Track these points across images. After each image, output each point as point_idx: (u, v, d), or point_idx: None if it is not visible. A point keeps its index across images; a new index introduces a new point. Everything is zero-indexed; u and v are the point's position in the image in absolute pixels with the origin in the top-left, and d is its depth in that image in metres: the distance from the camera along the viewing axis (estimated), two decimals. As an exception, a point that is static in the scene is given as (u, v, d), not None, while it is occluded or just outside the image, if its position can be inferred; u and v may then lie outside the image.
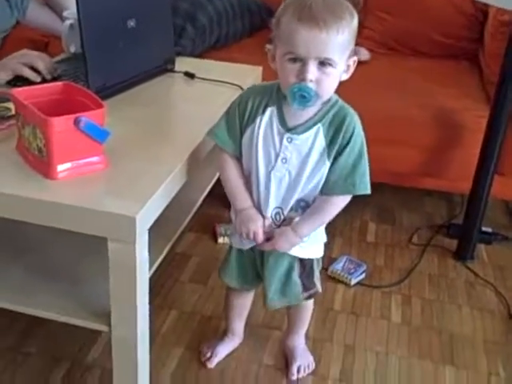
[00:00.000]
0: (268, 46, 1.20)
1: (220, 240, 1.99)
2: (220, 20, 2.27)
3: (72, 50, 1.85)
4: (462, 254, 2.03)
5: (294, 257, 1.34)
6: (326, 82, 1.13)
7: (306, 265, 1.37)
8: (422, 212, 2.30)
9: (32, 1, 2.05)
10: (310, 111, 1.21)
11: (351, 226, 2.16)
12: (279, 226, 1.29)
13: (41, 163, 1.21)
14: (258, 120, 1.24)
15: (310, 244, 1.34)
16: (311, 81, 1.12)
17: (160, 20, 1.78)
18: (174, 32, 2.08)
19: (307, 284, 1.39)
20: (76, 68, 1.73)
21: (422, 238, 2.12)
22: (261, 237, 1.27)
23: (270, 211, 1.28)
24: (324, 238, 1.39)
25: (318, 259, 1.40)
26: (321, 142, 1.21)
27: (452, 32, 2.44)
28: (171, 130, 1.53)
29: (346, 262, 1.91)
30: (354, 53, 1.20)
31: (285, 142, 1.22)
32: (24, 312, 1.26)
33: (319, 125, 1.21)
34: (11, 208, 1.15)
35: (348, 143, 1.21)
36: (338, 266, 1.88)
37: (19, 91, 1.26)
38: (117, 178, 1.22)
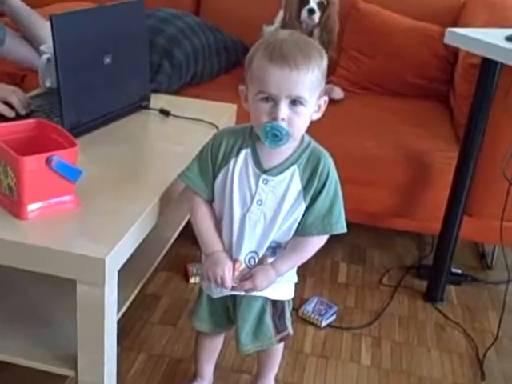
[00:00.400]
0: (241, 87, 1.22)
1: (192, 280, 1.97)
2: (196, 56, 2.28)
3: (48, 84, 1.85)
4: (432, 295, 2.04)
5: (266, 299, 1.34)
6: (297, 121, 1.15)
7: (277, 306, 1.36)
8: (393, 252, 2.31)
9: (9, 34, 2.04)
10: (285, 153, 1.23)
11: (322, 267, 2.16)
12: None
13: (11, 203, 1.20)
14: (231, 162, 1.24)
15: (282, 285, 1.33)
16: (283, 119, 1.14)
17: (137, 56, 1.79)
18: (151, 68, 2.10)
19: (279, 326, 1.38)
20: (51, 103, 1.72)
21: (393, 279, 2.13)
22: (228, 282, 1.25)
23: (243, 256, 1.27)
24: (295, 279, 1.39)
25: (289, 300, 1.39)
26: (297, 184, 1.23)
27: (425, 73, 2.48)
28: (144, 169, 1.53)
29: (316, 303, 1.90)
30: (325, 93, 1.22)
31: (260, 183, 1.23)
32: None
33: (294, 166, 1.22)
34: (-22, 249, 1.13)
35: (324, 185, 1.23)
36: (309, 308, 1.88)
37: (-10, 129, 1.25)
38: (87, 218, 1.21)
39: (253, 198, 1.24)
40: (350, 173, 2.05)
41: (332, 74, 2.55)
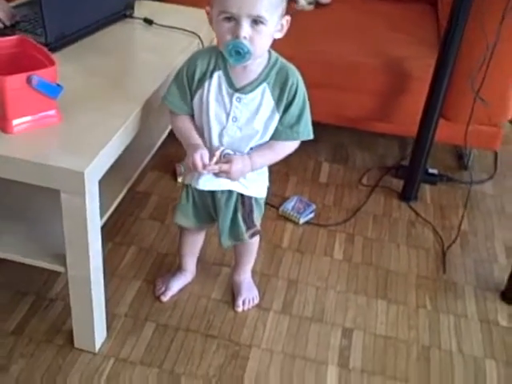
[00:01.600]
0: (207, 8, 1.29)
1: (179, 179, 2.09)
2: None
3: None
4: (407, 194, 2.16)
5: (238, 197, 1.47)
6: (258, 39, 1.23)
7: (245, 204, 1.49)
8: (375, 153, 2.42)
9: None
10: (254, 71, 1.32)
11: (306, 166, 2.28)
12: None
13: (-3, 118, 1.30)
14: (206, 84, 1.34)
15: (252, 182, 1.46)
16: (245, 37, 1.22)
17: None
18: (136, -27, 2.11)
19: (249, 223, 1.51)
20: (36, 13, 1.77)
21: (372, 179, 2.25)
22: (200, 164, 1.32)
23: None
24: (266, 182, 1.52)
25: (257, 200, 1.51)
26: (268, 99, 1.34)
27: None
28: (126, 80, 1.59)
29: (296, 201, 2.04)
30: (287, 12, 1.29)
31: (234, 101, 1.34)
32: (-12, 254, 1.39)
33: (264, 84, 1.33)
34: (-32, 160, 1.25)
35: (294, 98, 1.34)
36: (289, 206, 2.01)
37: (-28, 47, 1.33)
38: (69, 131, 1.32)
39: (228, 115, 1.35)
40: (331, 78, 2.13)
41: (321, -25, 2.54)
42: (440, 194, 2.22)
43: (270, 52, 1.34)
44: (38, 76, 1.25)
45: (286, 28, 1.30)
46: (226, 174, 1.36)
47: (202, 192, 1.48)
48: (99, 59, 1.63)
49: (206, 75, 1.34)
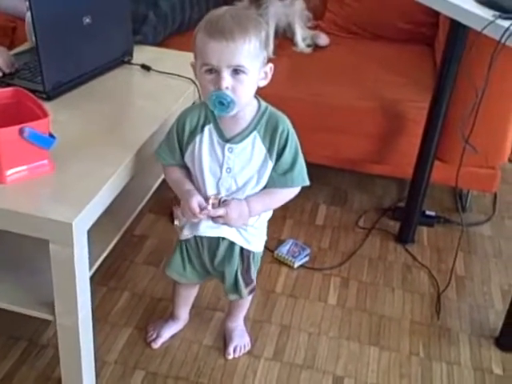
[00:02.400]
0: (192, 62, 1.33)
1: (176, 222, 2.10)
2: (183, 6, 2.33)
3: (34, 39, 1.93)
4: (403, 236, 2.16)
5: (237, 252, 1.47)
6: (241, 88, 1.25)
7: (244, 259, 1.49)
8: (372, 194, 2.42)
9: (-2, -16, 2.11)
10: (244, 121, 1.35)
11: (303, 208, 2.29)
12: None
13: (-9, 168, 1.33)
14: (197, 139, 1.37)
15: (253, 236, 1.47)
16: (227, 88, 1.24)
17: (118, 13, 1.86)
18: (137, 20, 2.17)
19: (247, 279, 1.52)
20: (36, 61, 1.81)
21: (369, 221, 2.26)
22: (196, 207, 1.33)
23: None
24: (265, 236, 1.54)
25: (255, 255, 1.52)
26: (260, 147, 1.36)
27: (411, 17, 2.50)
28: (120, 128, 1.61)
29: (291, 245, 2.04)
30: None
31: (226, 152, 1.35)
32: (-23, 300, 1.40)
33: (255, 132, 1.35)
34: (-38, 210, 1.27)
35: (285, 145, 1.36)
36: (284, 249, 2.02)
37: (-31, 98, 1.37)
38: (60, 181, 1.34)
39: (221, 167, 1.36)
40: (329, 120, 2.16)
41: (320, 18, 2.59)
42: (437, 236, 2.22)
43: (259, 101, 1.36)
44: (30, 128, 1.28)
45: (270, 75, 1.32)
46: (224, 219, 1.36)
47: (198, 247, 1.49)
48: (95, 106, 1.66)
49: (197, 130, 1.37)
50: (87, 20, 1.71)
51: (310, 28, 2.51)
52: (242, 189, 1.39)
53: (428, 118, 1.99)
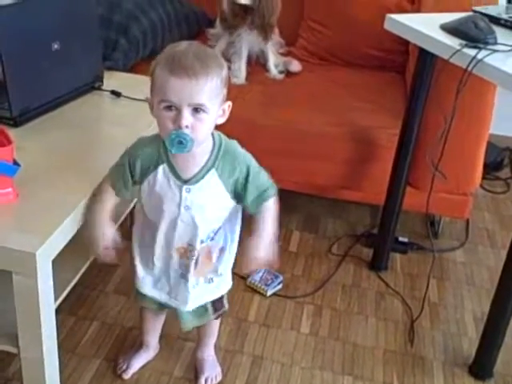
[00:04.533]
0: (148, 97, 1.28)
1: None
2: (155, 32, 2.33)
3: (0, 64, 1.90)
4: (376, 263, 2.16)
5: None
6: (200, 127, 1.22)
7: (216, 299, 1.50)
8: (346, 221, 2.42)
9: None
10: (200, 160, 1.31)
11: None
12: (196, 262, 1.40)
13: (-48, 196, 1.29)
14: (151, 176, 1.33)
15: (220, 284, 1.48)
16: (187, 127, 1.20)
17: (87, 39, 1.85)
18: (107, 45, 2.16)
19: (218, 308, 1.52)
20: (3, 87, 1.79)
21: (342, 248, 2.24)
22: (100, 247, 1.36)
23: (174, 250, 1.40)
24: (229, 278, 1.52)
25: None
26: (218, 184, 1.32)
27: (382, 45, 2.52)
28: (87, 156, 1.58)
29: (264, 272, 2.01)
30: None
31: (184, 193, 1.32)
32: None
33: (212, 170, 1.31)
34: None
35: (247, 177, 1.33)
36: (257, 277, 1.99)
37: None
38: (24, 210, 1.30)
39: (179, 205, 1.33)
40: (300, 146, 2.16)
41: (292, 44, 2.60)
42: (410, 262, 2.21)
43: (213, 135, 1.32)
44: (-8, 156, 1.25)
45: (227, 114, 1.30)
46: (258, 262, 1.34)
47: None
48: (63, 133, 1.64)
49: (150, 168, 1.33)
50: (56, 46, 1.69)
51: (282, 54, 2.52)
52: (203, 227, 1.36)
53: (399, 145, 2.00)
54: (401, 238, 2.25)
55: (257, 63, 2.48)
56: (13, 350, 1.34)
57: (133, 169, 1.34)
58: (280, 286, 2.00)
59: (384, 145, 2.09)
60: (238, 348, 1.76)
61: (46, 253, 1.22)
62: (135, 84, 1.98)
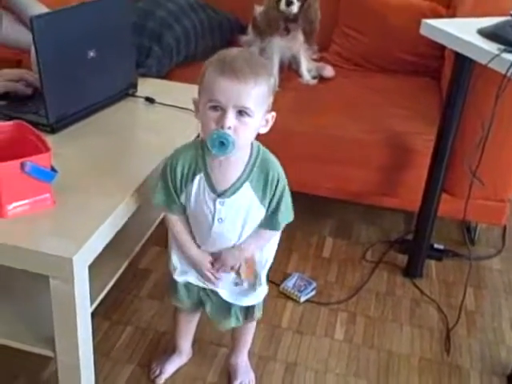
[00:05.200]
0: (194, 98, 1.31)
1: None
2: (188, 39, 2.34)
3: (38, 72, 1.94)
4: (411, 271, 2.13)
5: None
6: (243, 131, 1.22)
7: (248, 309, 1.50)
8: (380, 227, 2.39)
9: (6, 18, 2.12)
10: (236, 170, 1.31)
11: (308, 242, 2.26)
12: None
13: (-9, 202, 1.31)
14: (189, 187, 1.34)
15: (257, 292, 1.48)
16: (229, 128, 1.21)
17: (122, 46, 1.86)
18: (141, 52, 2.18)
19: (249, 317, 1.53)
20: (39, 95, 1.82)
21: (376, 254, 2.22)
22: (214, 276, 1.42)
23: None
24: (266, 287, 1.52)
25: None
26: (252, 198, 1.33)
27: (416, 50, 2.50)
28: (124, 161, 1.60)
29: (297, 279, 2.01)
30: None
31: (218, 205, 1.33)
32: (-22, 336, 1.37)
33: (247, 183, 1.31)
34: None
35: (275, 191, 1.33)
36: (290, 284, 1.99)
37: (-28, 131, 1.36)
38: (61, 215, 1.31)
39: (213, 217, 1.34)
40: (335, 152, 2.15)
41: (325, 50, 2.60)
42: (446, 270, 2.18)
43: (252, 145, 1.32)
44: (31, 162, 1.27)
45: (270, 124, 1.30)
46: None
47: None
48: (99, 140, 1.65)
49: (188, 178, 1.33)
50: (91, 54, 1.71)
51: (315, 60, 2.52)
52: (234, 236, 1.37)
53: (434, 151, 1.97)
54: (436, 245, 2.22)
55: (289, 69, 2.48)
56: (49, 353, 1.35)
57: (174, 180, 1.34)
58: (313, 293, 1.99)
59: (419, 151, 2.06)
60: (271, 354, 1.75)
61: (82, 258, 1.23)
62: (169, 90, 2.00)
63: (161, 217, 1.81)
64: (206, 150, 1.29)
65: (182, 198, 1.36)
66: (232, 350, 1.67)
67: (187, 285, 1.51)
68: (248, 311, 1.51)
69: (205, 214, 1.34)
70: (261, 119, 1.26)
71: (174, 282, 1.52)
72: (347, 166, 2.15)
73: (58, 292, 1.24)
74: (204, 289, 1.49)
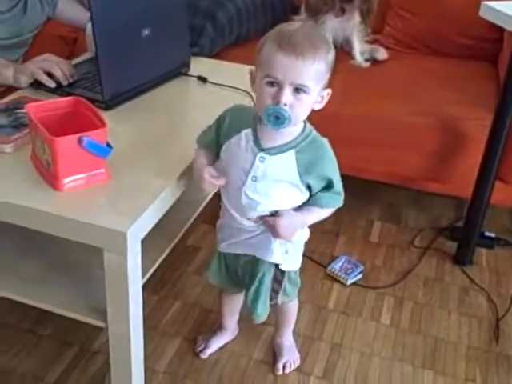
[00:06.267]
0: (251, 69, 1.29)
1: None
2: (241, 19, 2.34)
3: (94, 49, 1.97)
4: (461, 258, 2.09)
5: (269, 266, 1.43)
6: (298, 107, 1.21)
7: (277, 276, 1.45)
8: (429, 213, 2.36)
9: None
10: (285, 138, 1.30)
11: (356, 225, 2.25)
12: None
13: (49, 175, 1.34)
14: (233, 138, 1.33)
15: (292, 256, 1.44)
16: (285, 104, 1.20)
17: (176, 25, 1.87)
18: (194, 31, 2.18)
19: (272, 296, 1.47)
20: (96, 71, 1.84)
21: (425, 240, 2.20)
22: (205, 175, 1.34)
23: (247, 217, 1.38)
24: (300, 258, 1.49)
25: (290, 276, 1.47)
26: (292, 169, 1.29)
27: (473, 33, 2.44)
28: (175, 139, 1.61)
29: (344, 261, 2.00)
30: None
31: (257, 161, 1.30)
32: (33, 305, 1.42)
33: (293, 150, 1.29)
34: (20, 216, 1.28)
35: (326, 173, 1.31)
36: (337, 266, 1.98)
37: (32, 106, 1.38)
38: (116, 190, 1.34)
39: (248, 173, 1.31)
40: (385, 136, 2.12)
41: (379, 32, 2.56)
42: (497, 258, 2.14)
43: (305, 123, 1.31)
44: (88, 137, 1.29)
45: (325, 100, 1.28)
46: (273, 230, 1.32)
47: (234, 260, 1.48)
48: (151, 117, 1.67)
49: (234, 130, 1.33)
50: (146, 32, 1.73)
51: (368, 42, 2.48)
52: (263, 203, 1.33)
53: (490, 137, 1.93)
54: (487, 233, 2.18)
55: (342, 51, 2.45)
56: (102, 324, 1.39)
57: (220, 127, 1.36)
58: (360, 276, 1.98)
59: (474, 136, 2.02)
60: (317, 335, 1.76)
61: (135, 232, 1.25)
62: (221, 70, 2.01)
63: (210, 195, 1.84)
64: (258, 117, 1.29)
65: (222, 151, 1.36)
66: (276, 330, 1.69)
67: (221, 261, 1.51)
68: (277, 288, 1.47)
69: (240, 168, 1.32)
70: (317, 95, 1.24)
71: (212, 264, 1.53)
72: (398, 150, 2.12)
73: (112, 264, 1.27)
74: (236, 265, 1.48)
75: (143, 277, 1.39)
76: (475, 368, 1.69)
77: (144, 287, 1.38)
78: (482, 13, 1.77)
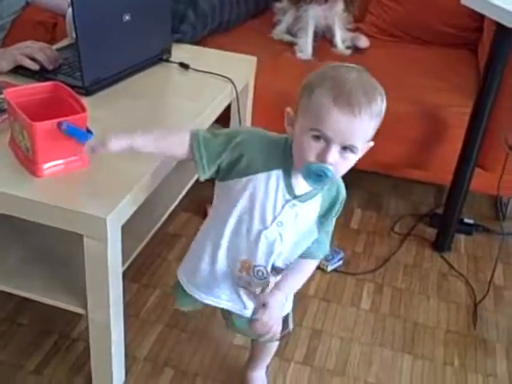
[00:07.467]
0: (288, 109, 1.17)
1: (209, 221, 2.10)
2: (223, 6, 2.33)
3: (74, 35, 1.95)
4: (440, 244, 2.12)
5: None
6: (342, 165, 1.11)
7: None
8: (409, 200, 2.38)
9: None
10: None
11: (337, 212, 2.26)
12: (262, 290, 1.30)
13: (28, 161, 1.33)
14: (259, 176, 1.19)
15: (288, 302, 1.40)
16: (331, 164, 1.09)
17: (157, 11, 1.85)
18: (175, 17, 2.17)
19: (283, 326, 1.38)
20: (75, 57, 1.83)
21: (405, 227, 2.22)
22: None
23: (238, 262, 1.28)
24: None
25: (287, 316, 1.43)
26: (316, 211, 1.23)
27: (454, 21, 2.45)
28: (157, 125, 1.59)
29: (325, 248, 2.01)
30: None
31: (287, 207, 1.20)
32: (13, 292, 1.41)
33: (320, 194, 1.21)
34: (-1, 203, 1.28)
35: (335, 213, 1.25)
36: (317, 253, 1.99)
37: (10, 91, 1.37)
38: (95, 176, 1.33)
39: (274, 218, 1.21)
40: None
41: (360, 21, 2.56)
42: (475, 244, 2.17)
43: None
44: (68, 122, 1.28)
45: (364, 151, 1.14)
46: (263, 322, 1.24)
47: None
48: (132, 103, 1.66)
49: (259, 166, 1.18)
50: (127, 17, 1.71)
51: (350, 30, 2.49)
52: (283, 248, 1.24)
53: (470, 124, 1.95)
54: (466, 220, 2.21)
55: (323, 38, 2.45)
56: (81, 311, 1.38)
57: (235, 159, 1.19)
58: (340, 263, 1.99)
59: (454, 123, 2.03)
60: (297, 321, 1.76)
61: (115, 218, 1.25)
62: (203, 57, 2.00)
63: (191, 183, 1.83)
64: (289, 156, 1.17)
65: (231, 185, 1.21)
66: (250, 362, 1.57)
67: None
68: (283, 325, 1.37)
69: (265, 213, 1.20)
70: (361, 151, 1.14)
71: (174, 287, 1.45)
72: (378, 138, 2.09)
73: (92, 251, 1.27)
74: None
75: (123, 264, 1.39)
76: (453, 352, 1.71)
77: (124, 275, 1.38)
78: (464, 0, 1.77)
